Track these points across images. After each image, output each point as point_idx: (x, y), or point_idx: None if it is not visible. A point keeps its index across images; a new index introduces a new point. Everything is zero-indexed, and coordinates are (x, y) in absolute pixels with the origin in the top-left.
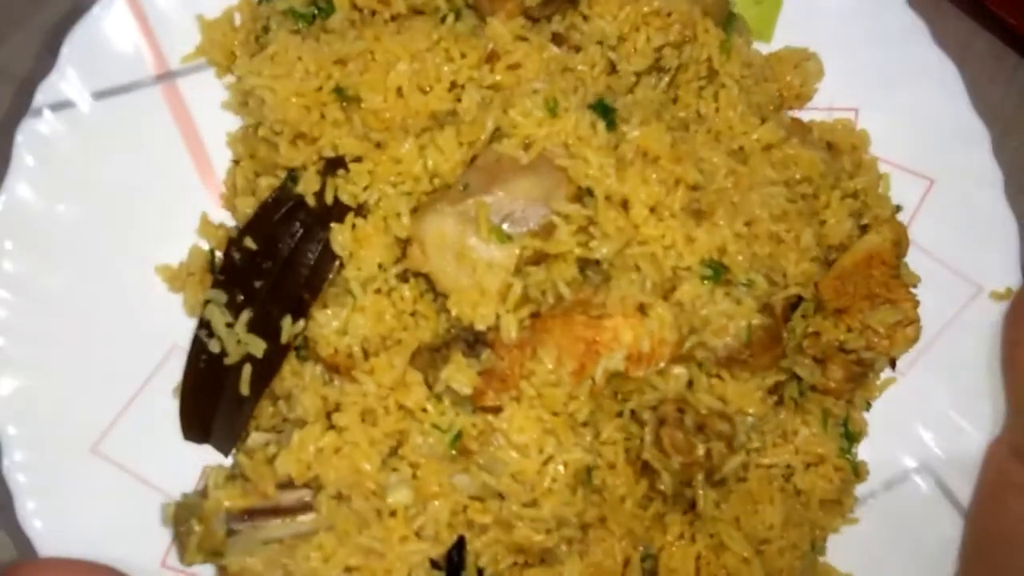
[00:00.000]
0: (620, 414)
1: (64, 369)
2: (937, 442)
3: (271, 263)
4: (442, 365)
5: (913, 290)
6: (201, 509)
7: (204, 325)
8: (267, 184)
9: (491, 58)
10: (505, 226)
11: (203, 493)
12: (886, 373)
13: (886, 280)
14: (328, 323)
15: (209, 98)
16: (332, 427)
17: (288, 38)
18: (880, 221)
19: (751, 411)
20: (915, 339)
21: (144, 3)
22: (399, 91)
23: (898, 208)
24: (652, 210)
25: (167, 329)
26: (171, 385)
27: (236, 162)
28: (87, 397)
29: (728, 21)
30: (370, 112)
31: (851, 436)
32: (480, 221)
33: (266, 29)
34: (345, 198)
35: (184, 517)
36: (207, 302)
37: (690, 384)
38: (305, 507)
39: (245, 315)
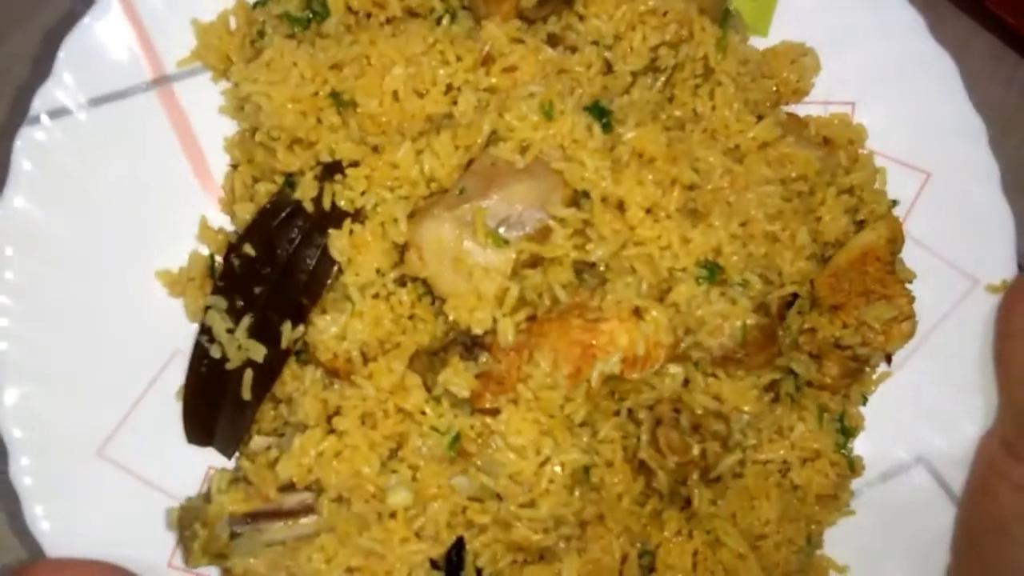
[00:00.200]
0: (618, 413)
1: (68, 374)
2: (933, 435)
3: (270, 269)
4: (440, 368)
5: (909, 284)
6: (205, 513)
7: (205, 331)
8: (265, 190)
9: (487, 61)
10: (501, 230)
11: (207, 497)
12: (882, 367)
13: (881, 276)
14: (327, 328)
15: (206, 102)
16: (332, 431)
17: (283, 43)
18: (876, 217)
19: (747, 409)
20: (910, 334)
21: (139, 7)
22: (395, 95)
23: (894, 203)
24: (648, 211)
25: (169, 334)
26: (174, 389)
27: (234, 167)
28: (92, 402)
29: (724, 18)
30: (366, 116)
31: (847, 431)
32: (476, 226)
33: (261, 33)
34: (343, 203)
35: (188, 521)
36: (208, 308)
37: (686, 383)
38: (307, 510)
39: (245, 321)
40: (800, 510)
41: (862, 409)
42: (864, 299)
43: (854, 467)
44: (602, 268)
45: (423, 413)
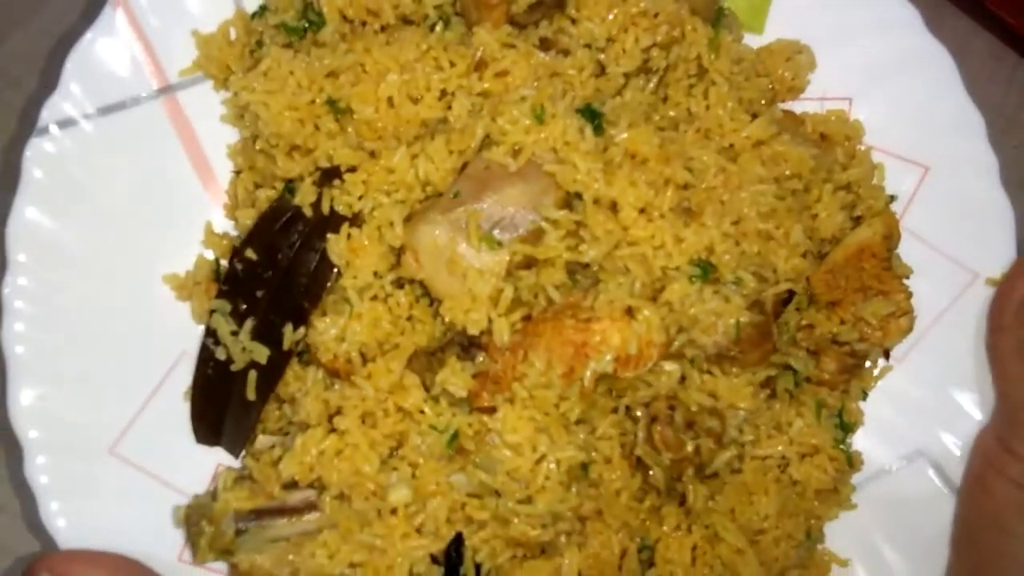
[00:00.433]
0: (615, 410)
1: (81, 376)
2: (934, 429)
3: (271, 273)
4: (438, 368)
5: (908, 279)
6: (211, 510)
7: (211, 333)
8: (266, 196)
9: (479, 66)
10: (495, 232)
11: (213, 495)
12: (882, 363)
13: (878, 272)
14: (327, 330)
15: (209, 110)
16: (334, 430)
17: (280, 53)
18: (873, 213)
19: (742, 406)
20: (908, 330)
21: (142, 19)
22: (390, 101)
23: (892, 198)
24: (641, 211)
25: (177, 336)
26: (182, 389)
27: (237, 173)
28: (103, 402)
29: (717, 18)
30: (363, 122)
31: (846, 427)
32: (470, 229)
33: (260, 43)
34: (341, 208)
35: (195, 518)
36: (212, 311)
37: (683, 380)
38: (310, 507)
39: (249, 323)
40: (799, 505)
41: (862, 404)
42: (861, 295)
43: (852, 462)
44: (595, 268)
45: (422, 412)
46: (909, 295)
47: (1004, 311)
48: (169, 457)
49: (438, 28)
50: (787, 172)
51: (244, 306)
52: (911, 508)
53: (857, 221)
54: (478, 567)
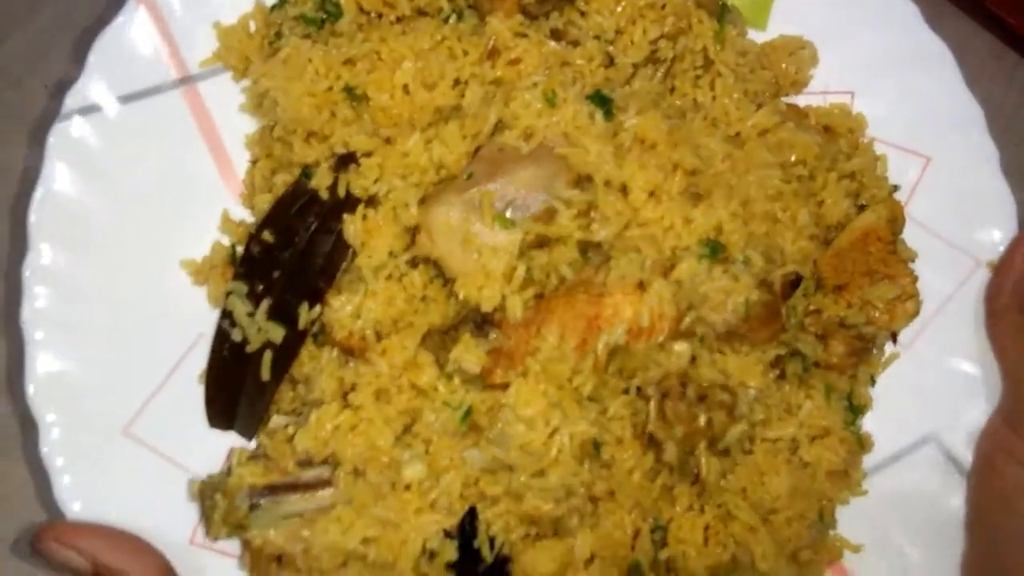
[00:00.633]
0: (626, 391)
1: (97, 357)
2: (942, 414)
3: (288, 254)
4: (452, 346)
5: (914, 265)
6: (225, 485)
7: (226, 315)
8: (283, 181)
9: (492, 54)
10: (508, 213)
11: (227, 472)
12: (890, 348)
13: (883, 256)
14: (342, 308)
15: (228, 101)
16: (348, 406)
17: (299, 42)
18: (877, 201)
19: (752, 384)
20: (915, 313)
21: (164, 11)
22: (405, 88)
23: (895, 188)
24: (651, 194)
25: (193, 320)
26: (198, 372)
27: (254, 162)
28: (120, 383)
29: (721, 12)
30: (378, 109)
31: (856, 410)
32: (484, 208)
33: (279, 34)
34: (356, 191)
35: (209, 493)
36: (229, 293)
37: (693, 360)
38: (323, 483)
39: (265, 304)
40: (811, 486)
41: (872, 390)
42: (867, 279)
43: (863, 444)
44: (606, 247)
45: (436, 389)
46: (915, 279)
47: (1000, 294)
48: (183, 440)
49: (451, 19)
50: (793, 158)
51: (260, 287)
52: (922, 493)
53: (861, 210)
54: (491, 541)
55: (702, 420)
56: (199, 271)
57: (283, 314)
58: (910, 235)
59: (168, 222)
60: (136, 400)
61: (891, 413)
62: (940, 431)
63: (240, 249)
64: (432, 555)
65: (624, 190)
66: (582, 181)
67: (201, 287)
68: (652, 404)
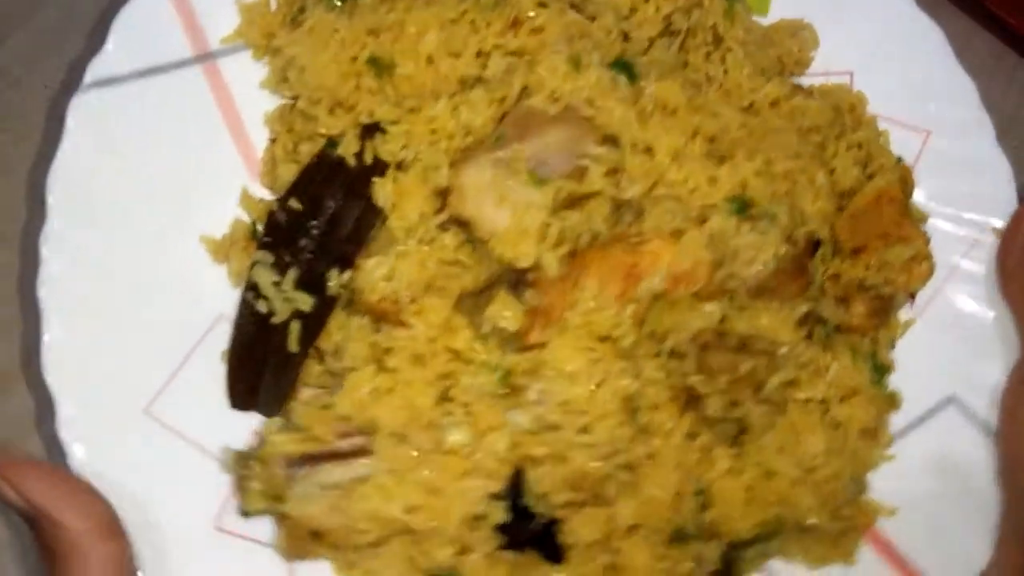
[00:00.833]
0: (658, 355)
1: (115, 336)
2: (962, 374)
3: (316, 221)
4: (486, 307)
5: (925, 224)
6: (260, 454)
7: (251, 287)
8: (309, 150)
9: (514, 24)
10: (539, 172)
11: (259, 445)
12: (907, 314)
13: (896, 218)
14: (374, 270)
15: (248, 79)
16: (383, 370)
17: (324, 14)
18: (885, 169)
19: (785, 339)
20: (930, 274)
21: None
22: (429, 59)
23: (899, 160)
24: (674, 157)
25: (212, 299)
26: (218, 353)
27: (273, 140)
28: (138, 361)
29: None
30: (403, 79)
31: (880, 369)
32: (516, 166)
33: (301, 10)
34: (385, 156)
35: (244, 463)
36: (254, 263)
37: (722, 321)
38: (362, 451)
39: (292, 273)
40: (844, 446)
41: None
42: (882, 241)
43: (892, 401)
44: (635, 204)
45: (472, 350)
46: (927, 240)
47: (1010, 254)
48: (204, 421)
49: None
50: (806, 125)
51: (287, 256)
52: (949, 455)
53: (870, 179)
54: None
55: (746, 366)
56: (219, 248)
57: (311, 282)
58: (915, 205)
59: (186, 200)
60: (156, 380)
61: (910, 378)
62: (961, 393)
63: (260, 227)
64: (478, 519)
65: (648, 152)
66: (608, 142)
67: (221, 265)
68: (690, 359)
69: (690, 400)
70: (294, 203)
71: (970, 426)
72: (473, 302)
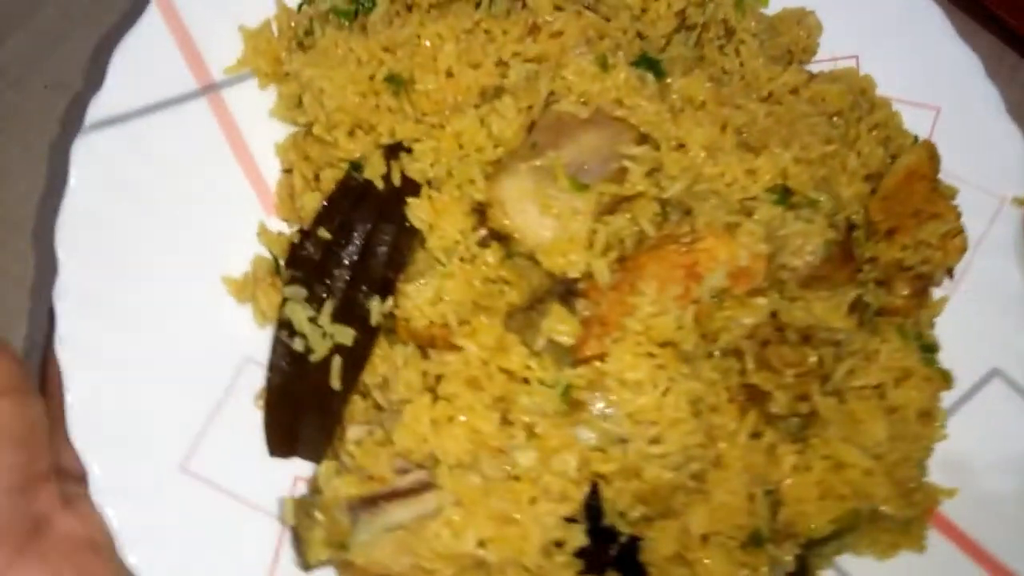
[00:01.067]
0: (711, 355)
1: (142, 390)
2: (1002, 346)
3: (350, 249)
4: (539, 321)
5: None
6: (320, 501)
7: (284, 326)
8: (331, 176)
9: (532, 30)
10: (578, 177)
11: (312, 492)
12: (943, 291)
13: (927, 195)
14: (419, 294)
15: (254, 108)
16: (439, 398)
17: (335, 33)
18: (905, 149)
19: (840, 327)
20: (964, 248)
21: (185, 16)
22: (449, 72)
23: (915, 139)
24: (709, 152)
25: (238, 342)
26: (249, 398)
27: (287, 171)
28: (168, 416)
29: None
30: (422, 95)
31: (929, 348)
32: (556, 172)
33: (308, 32)
34: (414, 175)
35: (305, 511)
36: (285, 301)
37: (773, 315)
38: (425, 486)
39: (329, 305)
40: (905, 430)
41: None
42: (915, 220)
43: (946, 379)
44: (675, 202)
45: (528, 368)
46: (959, 214)
47: None
48: (243, 473)
49: (484, 3)
50: (829, 110)
51: (321, 289)
52: (999, 429)
53: (893, 160)
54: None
55: (814, 358)
56: (242, 288)
57: (350, 314)
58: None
59: (202, 240)
60: (188, 434)
61: (951, 355)
62: (1003, 366)
63: (283, 261)
64: (557, 545)
65: (681, 149)
66: (644, 141)
67: (244, 305)
68: (750, 357)
69: (750, 399)
70: (323, 232)
71: (1018, 397)
72: (522, 319)
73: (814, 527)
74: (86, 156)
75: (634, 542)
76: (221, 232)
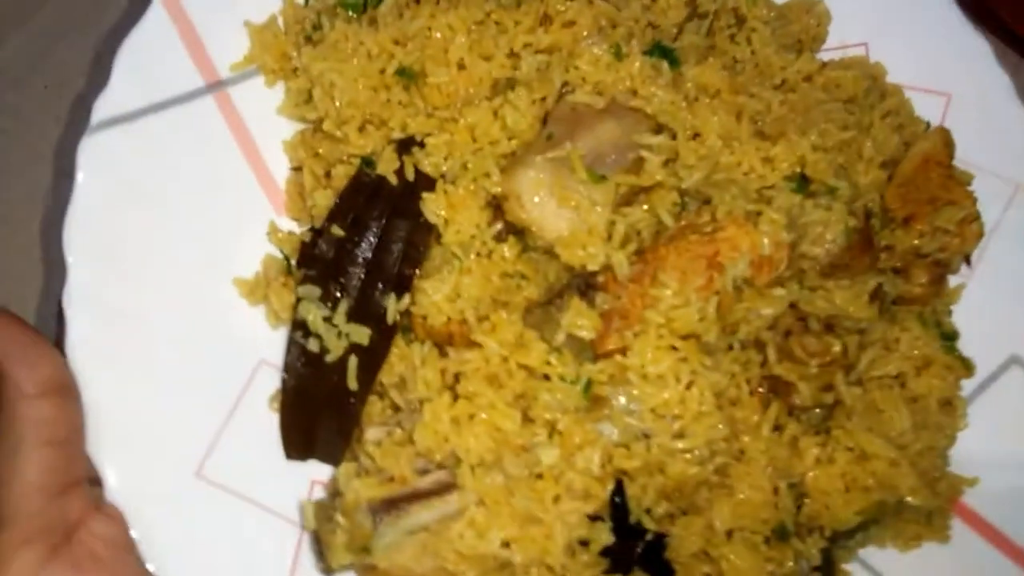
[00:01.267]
0: (731, 347)
1: (156, 395)
2: (1019, 334)
3: (364, 246)
4: (557, 315)
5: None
6: (342, 504)
7: (298, 326)
8: (343, 173)
9: (544, 21)
10: (595, 168)
11: (332, 495)
12: (959, 278)
13: (943, 181)
14: (437, 290)
15: (260, 106)
16: (459, 396)
17: (344, 26)
18: (919, 135)
19: (861, 315)
20: (981, 234)
21: (190, 13)
22: (460, 64)
23: (927, 125)
24: (725, 141)
25: (251, 344)
26: (263, 401)
27: (296, 168)
28: (183, 422)
29: None
30: (434, 88)
31: (949, 336)
32: (573, 164)
33: (316, 26)
34: (428, 170)
35: (326, 515)
36: (298, 301)
37: (793, 305)
38: (447, 487)
39: (344, 304)
40: (927, 418)
41: None
42: (932, 206)
43: (967, 366)
44: (693, 192)
45: (548, 364)
46: (975, 200)
47: None
48: (260, 477)
49: None
50: (843, 97)
51: (336, 287)
52: (1020, 415)
53: (907, 147)
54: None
55: (838, 347)
56: (254, 289)
57: (366, 312)
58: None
59: (212, 240)
60: (203, 439)
61: (970, 343)
62: (1022, 352)
63: (294, 261)
64: (582, 543)
65: (698, 138)
66: (660, 130)
67: (256, 306)
68: (772, 348)
69: (771, 391)
70: (336, 230)
71: None
72: (541, 314)
73: (839, 520)
74: (93, 156)
75: (660, 539)
76: (230, 232)
